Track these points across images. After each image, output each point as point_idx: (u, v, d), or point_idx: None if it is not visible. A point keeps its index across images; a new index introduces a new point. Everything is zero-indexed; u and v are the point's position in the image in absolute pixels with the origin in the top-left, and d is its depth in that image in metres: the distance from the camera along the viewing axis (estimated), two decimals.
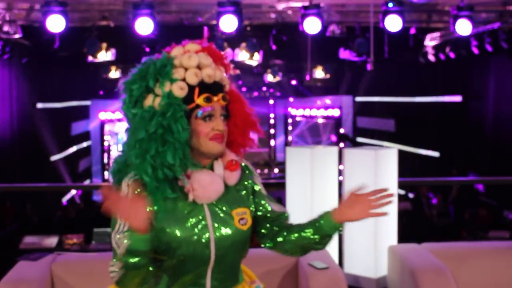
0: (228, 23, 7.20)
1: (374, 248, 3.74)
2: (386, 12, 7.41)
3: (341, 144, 13.11)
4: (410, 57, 11.00)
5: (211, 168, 1.85)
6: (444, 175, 10.58)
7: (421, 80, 12.57)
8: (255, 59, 11.37)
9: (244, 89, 19.52)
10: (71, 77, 13.52)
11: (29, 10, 8.32)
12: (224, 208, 1.84)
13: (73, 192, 12.12)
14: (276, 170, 18.41)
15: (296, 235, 1.90)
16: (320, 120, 17.98)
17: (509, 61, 9.54)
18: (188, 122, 1.76)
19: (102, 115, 15.73)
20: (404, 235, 4.03)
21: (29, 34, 8.95)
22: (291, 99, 18.56)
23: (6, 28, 7.91)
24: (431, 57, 10.25)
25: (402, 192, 10.34)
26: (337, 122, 16.96)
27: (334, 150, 3.88)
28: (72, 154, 14.04)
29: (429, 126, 12.41)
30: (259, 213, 1.94)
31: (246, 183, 1.93)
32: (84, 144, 15.35)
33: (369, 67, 8.96)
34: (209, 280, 1.83)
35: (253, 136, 1.96)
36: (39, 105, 12.00)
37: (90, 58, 10.86)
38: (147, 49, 8.76)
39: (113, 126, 16.22)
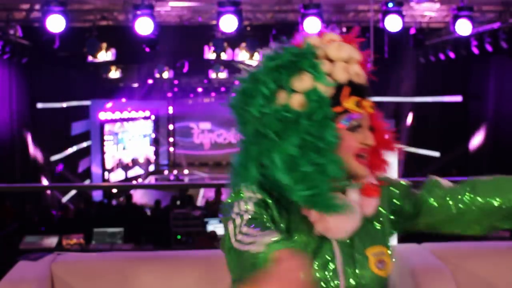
0: (228, 23, 7.21)
1: None
2: (386, 12, 7.41)
3: None
4: (410, 57, 11.00)
5: (343, 192, 1.41)
6: (444, 175, 10.56)
7: (421, 80, 12.57)
8: (255, 59, 11.38)
9: None
10: (71, 77, 13.52)
11: (29, 10, 8.33)
12: (357, 247, 1.40)
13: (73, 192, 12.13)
14: None
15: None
16: None
17: (509, 61, 9.54)
18: None
19: (102, 115, 15.74)
20: (404, 235, 4.02)
21: (29, 34, 8.96)
22: None
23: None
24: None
25: None
26: None
27: None
28: (72, 154, 14.05)
29: (429, 126, 12.40)
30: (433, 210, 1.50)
31: (382, 211, 1.49)
32: (84, 144, 15.35)
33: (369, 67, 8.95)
34: None
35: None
36: (39, 105, 11.99)
37: (90, 58, 10.87)
38: (147, 49, 8.76)
39: (113, 126, 16.23)
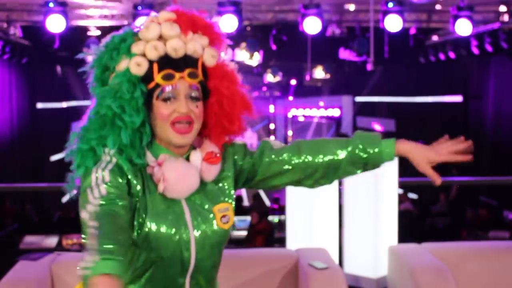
0: (228, 23, 7.21)
1: (374, 248, 3.74)
2: (386, 12, 7.42)
3: None
4: (410, 57, 11.00)
5: (187, 159, 1.59)
6: (444, 175, 10.57)
7: (421, 80, 12.57)
8: (255, 59, 11.39)
9: None
10: (71, 77, 13.52)
11: (29, 10, 8.33)
12: (203, 204, 1.60)
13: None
14: None
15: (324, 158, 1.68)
16: (320, 120, 18.00)
17: (509, 61, 9.54)
18: (149, 103, 1.53)
19: None
20: (405, 235, 4.03)
21: (29, 34, 8.96)
22: (291, 99, 18.60)
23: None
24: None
25: (402, 192, 10.33)
26: (337, 122, 16.96)
27: None
28: None
29: (429, 126, 12.40)
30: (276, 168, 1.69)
31: (227, 172, 1.66)
32: None
33: (369, 67, 8.96)
34: None
35: (245, 120, 1.66)
36: (39, 105, 11.99)
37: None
38: None
39: None
